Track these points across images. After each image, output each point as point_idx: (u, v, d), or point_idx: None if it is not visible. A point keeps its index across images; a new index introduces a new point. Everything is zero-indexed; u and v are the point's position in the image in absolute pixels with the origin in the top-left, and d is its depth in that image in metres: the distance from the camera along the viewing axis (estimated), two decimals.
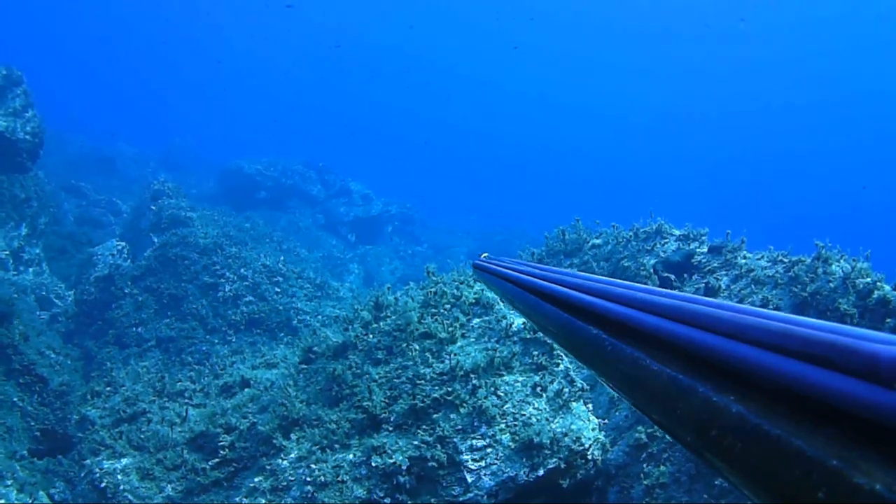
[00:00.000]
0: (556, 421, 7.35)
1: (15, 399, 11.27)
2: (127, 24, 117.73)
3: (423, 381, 7.46)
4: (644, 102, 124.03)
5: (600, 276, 1.26)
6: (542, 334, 7.31)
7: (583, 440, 7.29)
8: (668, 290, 0.98)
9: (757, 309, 0.77)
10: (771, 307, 8.77)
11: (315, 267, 19.73)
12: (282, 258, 17.24)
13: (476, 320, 8.24)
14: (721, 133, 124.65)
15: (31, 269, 16.55)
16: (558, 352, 7.86)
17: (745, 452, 0.63)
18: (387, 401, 7.50)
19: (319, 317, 15.56)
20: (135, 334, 14.64)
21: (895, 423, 0.53)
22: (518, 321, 8.00)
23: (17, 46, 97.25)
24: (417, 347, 7.85)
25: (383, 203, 35.28)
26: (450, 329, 7.92)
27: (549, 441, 7.08)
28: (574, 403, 7.60)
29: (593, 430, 7.55)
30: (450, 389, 7.30)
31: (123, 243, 17.34)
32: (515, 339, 7.92)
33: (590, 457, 7.41)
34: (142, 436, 8.85)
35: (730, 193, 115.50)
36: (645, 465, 8.21)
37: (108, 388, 10.48)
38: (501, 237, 37.98)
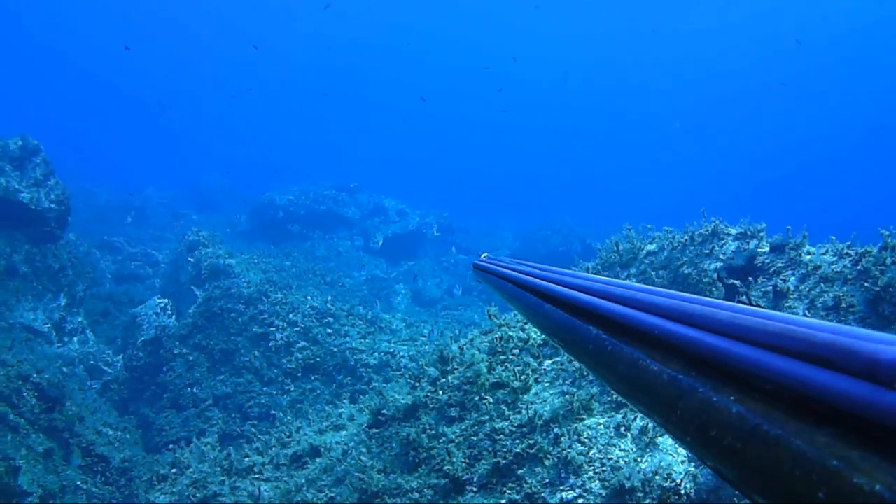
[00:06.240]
0: (644, 460, 7.07)
1: (78, 483, 11.15)
2: (137, 72, 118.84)
3: (502, 436, 7.20)
4: (666, 73, 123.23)
5: (599, 276, 1.27)
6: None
7: (674, 476, 7.01)
8: (668, 290, 0.99)
9: (757, 309, 0.77)
10: (844, 305, 8.44)
11: (362, 296, 19.59)
12: (329, 297, 17.03)
13: (547, 362, 7.97)
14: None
15: (75, 339, 16.52)
16: None
17: (745, 453, 0.63)
18: (467, 461, 7.25)
19: (376, 354, 15.36)
20: (190, 395, 14.51)
21: (895, 423, 0.53)
22: None
23: (32, 111, 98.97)
24: (491, 400, 7.59)
25: (420, 215, 34.93)
26: (522, 377, 7.65)
27: (640, 483, 6.81)
28: (660, 438, 7.31)
29: (682, 462, 7.26)
30: (531, 442, 7.04)
31: (166, 300, 17.26)
32: (591, 378, 7.64)
33: (682, 491, 7.11)
34: None
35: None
36: None
37: (174, 471, 10.31)
38: (542, 233, 37.29)
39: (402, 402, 8.31)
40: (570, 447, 6.96)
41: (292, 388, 14.58)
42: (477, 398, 7.71)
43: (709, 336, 0.78)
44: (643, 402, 0.87)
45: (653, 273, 10.85)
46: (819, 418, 0.59)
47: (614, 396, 7.49)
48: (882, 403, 0.53)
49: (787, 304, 8.35)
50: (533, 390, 7.65)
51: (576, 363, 7.79)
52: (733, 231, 10.77)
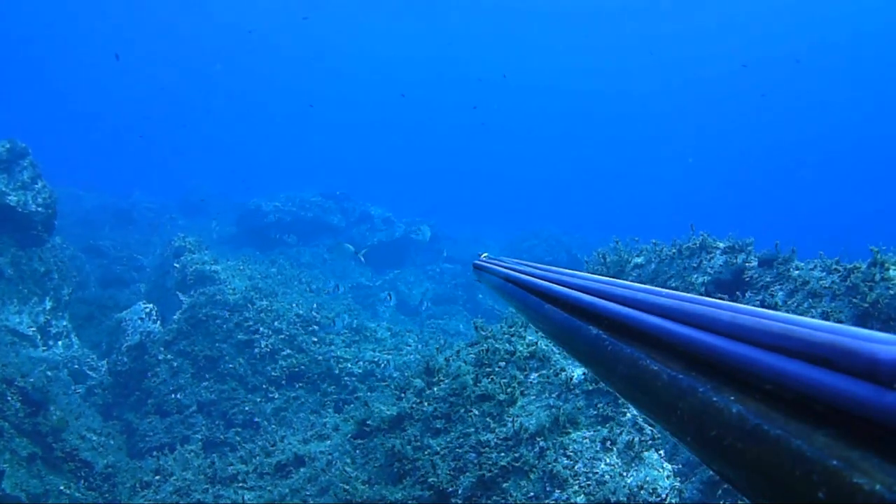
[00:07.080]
0: (629, 475, 7.05)
1: (62, 487, 11.05)
2: (124, 80, 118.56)
3: (487, 449, 7.18)
4: (653, 80, 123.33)
5: (599, 276, 1.26)
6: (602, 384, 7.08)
7: (659, 491, 7.00)
8: (668, 290, 0.98)
9: (757, 309, 0.76)
10: (832, 321, 8.43)
11: (347, 304, 19.45)
12: (314, 305, 16.93)
13: (534, 375, 7.94)
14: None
15: (60, 343, 16.39)
16: (623, 401, 7.57)
17: (745, 453, 0.63)
18: (452, 473, 7.21)
19: (361, 363, 15.29)
20: (174, 401, 14.39)
21: (895, 423, 0.53)
22: (578, 372, 7.70)
23: (20, 116, 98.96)
24: (477, 412, 7.56)
25: (406, 224, 34.70)
26: (508, 389, 7.62)
27: (625, 498, 6.80)
28: (646, 453, 7.29)
29: (668, 477, 7.24)
30: (517, 455, 7.01)
31: (151, 305, 17.12)
32: (577, 391, 7.62)
33: None
34: None
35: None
36: (721, 502, 7.91)
37: (158, 478, 10.25)
38: (528, 243, 37.23)
39: (388, 412, 8.27)
40: (555, 461, 6.94)
41: (276, 396, 14.48)
42: (463, 410, 7.68)
43: (709, 336, 0.78)
44: (643, 402, 0.88)
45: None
46: (819, 418, 0.60)
47: (600, 410, 7.47)
48: (882, 403, 0.54)
49: None
50: (519, 403, 7.63)
51: (562, 376, 7.77)
52: (721, 245, 10.75)
